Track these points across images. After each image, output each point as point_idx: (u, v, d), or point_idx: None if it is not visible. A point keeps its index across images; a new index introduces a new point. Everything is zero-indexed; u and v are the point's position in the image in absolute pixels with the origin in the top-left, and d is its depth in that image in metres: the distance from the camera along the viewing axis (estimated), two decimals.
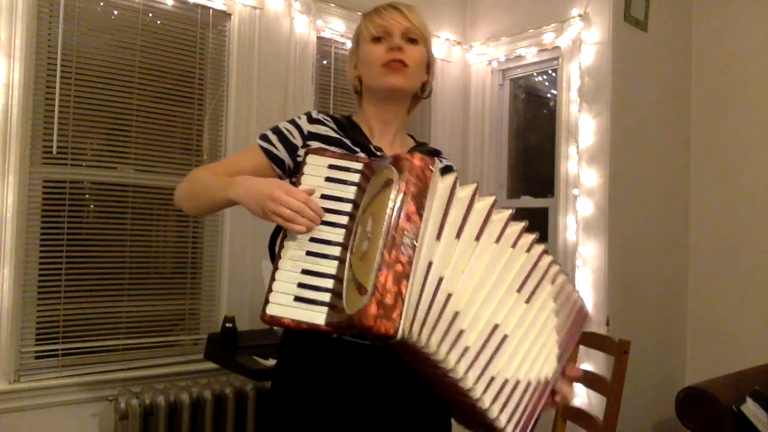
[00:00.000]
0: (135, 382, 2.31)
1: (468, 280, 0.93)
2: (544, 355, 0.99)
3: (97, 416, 2.25)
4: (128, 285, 2.37)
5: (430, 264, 0.90)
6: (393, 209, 0.90)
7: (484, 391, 0.93)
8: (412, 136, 1.36)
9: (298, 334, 1.10)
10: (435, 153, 1.31)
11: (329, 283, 0.97)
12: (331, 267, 0.97)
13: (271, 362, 2.04)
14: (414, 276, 0.87)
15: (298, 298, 0.97)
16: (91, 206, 2.34)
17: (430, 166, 0.93)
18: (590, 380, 2.32)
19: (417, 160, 0.93)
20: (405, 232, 0.88)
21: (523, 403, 0.97)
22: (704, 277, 3.18)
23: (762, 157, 3.00)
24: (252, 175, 1.13)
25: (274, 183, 1.03)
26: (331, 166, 1.03)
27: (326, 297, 0.96)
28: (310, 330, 0.95)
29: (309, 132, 1.20)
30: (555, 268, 1.03)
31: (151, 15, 2.43)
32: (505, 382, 0.95)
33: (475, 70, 3.49)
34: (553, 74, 3.23)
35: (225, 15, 2.61)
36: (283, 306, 0.97)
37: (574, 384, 1.03)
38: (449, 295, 0.90)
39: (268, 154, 1.21)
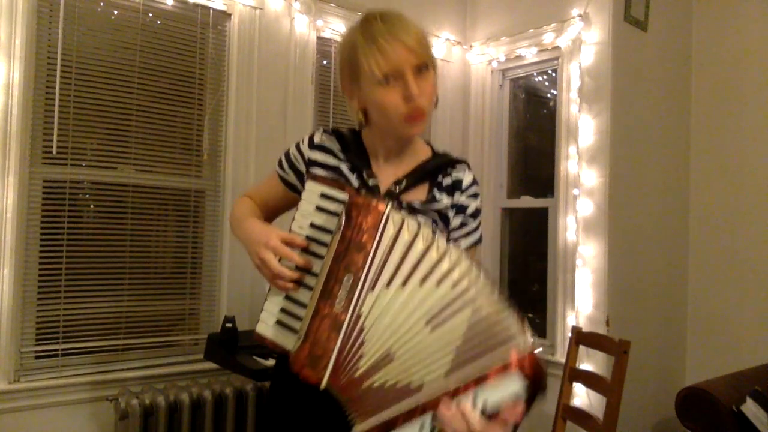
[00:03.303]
0: (135, 382, 2.31)
1: (384, 324, 0.94)
2: (428, 366, 0.91)
3: (97, 416, 2.25)
4: (128, 285, 2.37)
5: (359, 317, 0.94)
6: (331, 259, 0.95)
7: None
8: (431, 146, 1.26)
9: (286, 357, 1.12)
10: (451, 164, 1.22)
11: (302, 312, 1.02)
12: (306, 296, 1.03)
13: (271, 362, 2.04)
14: (344, 330, 0.94)
15: (278, 322, 1.05)
16: (91, 206, 2.34)
17: (383, 215, 0.95)
18: (590, 380, 2.32)
19: (368, 207, 0.95)
20: (342, 284, 0.95)
21: (381, 399, 0.93)
22: (704, 277, 3.18)
23: (762, 157, 3.00)
24: (277, 199, 1.29)
25: (261, 239, 1.08)
26: (322, 195, 1.07)
27: (298, 325, 1.02)
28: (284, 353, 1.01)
29: (309, 159, 1.22)
30: (485, 300, 0.91)
31: (151, 15, 2.43)
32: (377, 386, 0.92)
33: (475, 70, 3.49)
34: (553, 74, 3.23)
35: (225, 15, 2.61)
36: (268, 326, 1.06)
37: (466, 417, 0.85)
38: (363, 341, 0.94)
39: (283, 181, 1.28)
